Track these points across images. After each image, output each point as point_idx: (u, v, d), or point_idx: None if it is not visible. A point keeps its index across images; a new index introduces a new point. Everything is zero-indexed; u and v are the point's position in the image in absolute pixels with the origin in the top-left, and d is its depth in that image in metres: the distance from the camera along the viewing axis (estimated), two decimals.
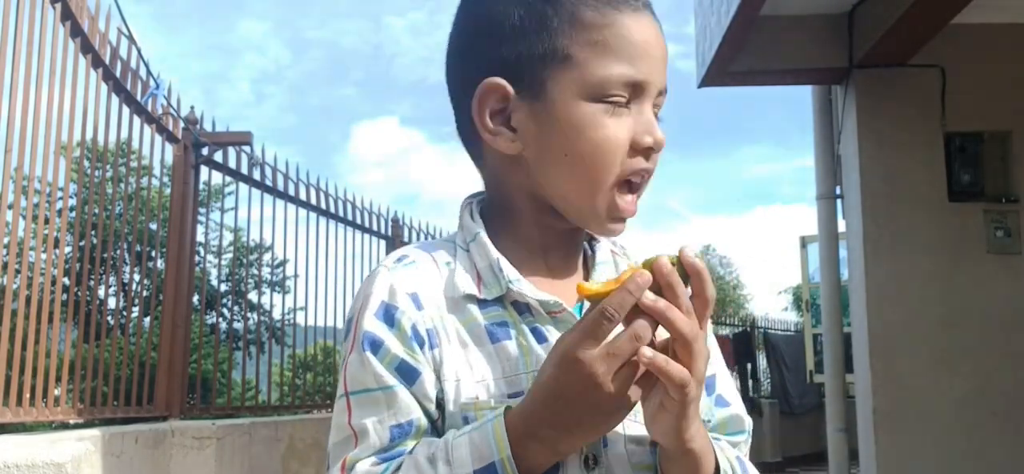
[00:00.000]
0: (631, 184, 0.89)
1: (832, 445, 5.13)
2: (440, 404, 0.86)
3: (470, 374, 0.86)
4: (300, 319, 5.89)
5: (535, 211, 0.93)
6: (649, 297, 0.76)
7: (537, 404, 0.79)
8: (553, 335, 0.88)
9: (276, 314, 6.39)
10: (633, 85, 0.87)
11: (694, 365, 0.76)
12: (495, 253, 0.90)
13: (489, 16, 0.91)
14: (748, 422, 0.99)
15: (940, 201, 4.40)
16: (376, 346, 0.85)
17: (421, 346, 0.86)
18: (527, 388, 0.84)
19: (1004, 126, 4.49)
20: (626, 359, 0.76)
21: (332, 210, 5.82)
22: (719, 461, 0.87)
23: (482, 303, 0.89)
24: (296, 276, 5.67)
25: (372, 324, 0.86)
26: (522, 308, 0.90)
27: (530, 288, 0.89)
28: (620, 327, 0.76)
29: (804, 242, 8.70)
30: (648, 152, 0.88)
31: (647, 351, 0.75)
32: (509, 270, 0.89)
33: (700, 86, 4.93)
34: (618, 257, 1.00)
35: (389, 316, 0.86)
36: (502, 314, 0.89)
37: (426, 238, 6.93)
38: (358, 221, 6.14)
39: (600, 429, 0.80)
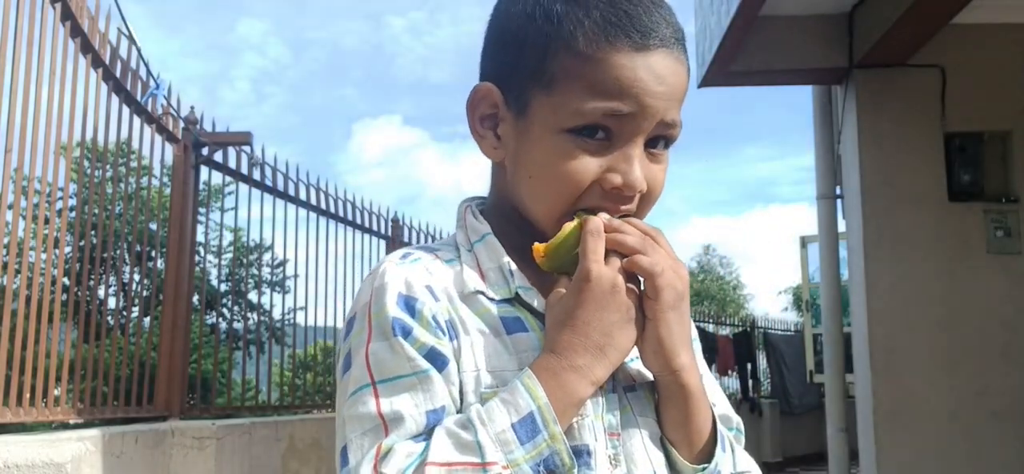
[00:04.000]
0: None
1: (832, 445, 5.13)
2: (460, 396, 0.86)
3: (486, 364, 0.86)
4: (300, 319, 5.89)
5: (518, 217, 0.94)
6: (603, 225, 0.86)
7: (566, 333, 0.83)
8: None
9: (276, 314, 6.39)
10: (616, 120, 0.85)
11: (658, 264, 0.84)
12: (505, 256, 0.91)
13: (503, 24, 0.94)
14: (737, 419, 1.01)
15: (940, 201, 4.40)
16: (407, 332, 0.84)
17: (443, 335, 0.85)
18: None
19: (1004, 126, 4.49)
20: (622, 270, 0.84)
21: (332, 210, 5.83)
22: (717, 423, 0.92)
23: (490, 300, 0.90)
24: (296, 276, 5.67)
25: (397, 312, 0.84)
26: (531, 309, 0.91)
27: (538, 298, 0.90)
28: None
29: (804, 242, 8.71)
30: (617, 192, 0.87)
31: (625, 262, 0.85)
32: (520, 277, 0.90)
33: (700, 86, 4.93)
34: None
35: (410, 306, 0.85)
36: (513, 310, 0.90)
37: (427, 237, 6.94)
38: (358, 221, 6.15)
39: (624, 343, 0.84)
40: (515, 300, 0.90)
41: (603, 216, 0.86)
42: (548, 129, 0.87)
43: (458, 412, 0.84)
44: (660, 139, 0.90)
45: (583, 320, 0.82)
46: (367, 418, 0.82)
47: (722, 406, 1.00)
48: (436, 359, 0.83)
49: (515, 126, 0.91)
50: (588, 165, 0.86)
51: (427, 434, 0.81)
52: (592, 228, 0.84)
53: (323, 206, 5.73)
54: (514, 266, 0.91)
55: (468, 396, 0.84)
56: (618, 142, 0.86)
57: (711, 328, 12.96)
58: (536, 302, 0.90)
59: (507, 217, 0.95)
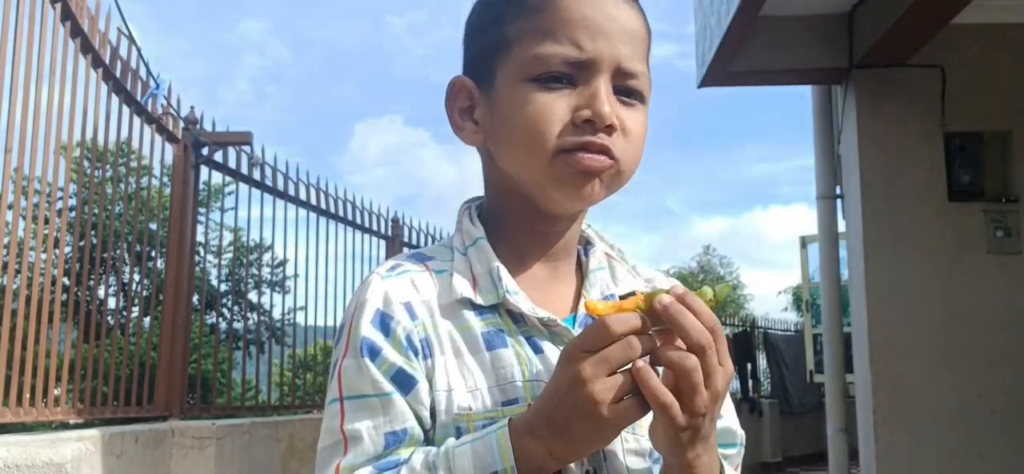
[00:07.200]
0: (585, 151, 0.86)
1: (832, 445, 5.13)
2: (432, 414, 0.86)
3: (462, 383, 0.86)
4: (300, 319, 5.90)
5: (512, 209, 0.94)
6: (660, 307, 0.77)
7: (538, 400, 0.81)
8: (548, 347, 0.88)
9: (276, 314, 6.39)
10: (575, 63, 0.86)
11: (689, 393, 0.76)
12: (495, 260, 0.91)
13: (470, 21, 0.98)
14: (740, 435, 0.99)
15: (940, 201, 4.39)
16: (374, 353, 0.85)
17: (416, 355, 0.86)
18: (523, 397, 0.85)
19: (1004, 126, 4.49)
20: (616, 367, 0.76)
21: (332, 210, 5.83)
22: None
23: (478, 309, 0.89)
24: (296, 276, 5.67)
25: (369, 331, 0.86)
26: (517, 317, 0.90)
27: (526, 302, 0.89)
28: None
29: (804, 242, 8.70)
30: (589, 125, 0.86)
31: (639, 363, 0.76)
32: (508, 281, 0.90)
33: (700, 86, 4.93)
34: (614, 262, 1.00)
35: (385, 324, 0.86)
36: (498, 322, 0.89)
37: (427, 238, 6.94)
38: (358, 221, 6.15)
39: (589, 437, 0.78)
40: (502, 307, 0.89)
41: (664, 298, 0.77)
42: (512, 83, 0.88)
43: (428, 432, 0.85)
44: (630, 92, 0.89)
45: (550, 397, 0.79)
46: (333, 431, 0.85)
47: (728, 419, 0.97)
48: (403, 380, 0.85)
49: (487, 103, 0.92)
50: (555, 103, 0.86)
51: (386, 455, 0.83)
52: (612, 319, 0.77)
53: (323, 206, 5.73)
54: (503, 271, 0.90)
55: (441, 415, 0.85)
56: (581, 83, 0.87)
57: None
58: (525, 306, 0.89)
59: (501, 212, 0.95)
